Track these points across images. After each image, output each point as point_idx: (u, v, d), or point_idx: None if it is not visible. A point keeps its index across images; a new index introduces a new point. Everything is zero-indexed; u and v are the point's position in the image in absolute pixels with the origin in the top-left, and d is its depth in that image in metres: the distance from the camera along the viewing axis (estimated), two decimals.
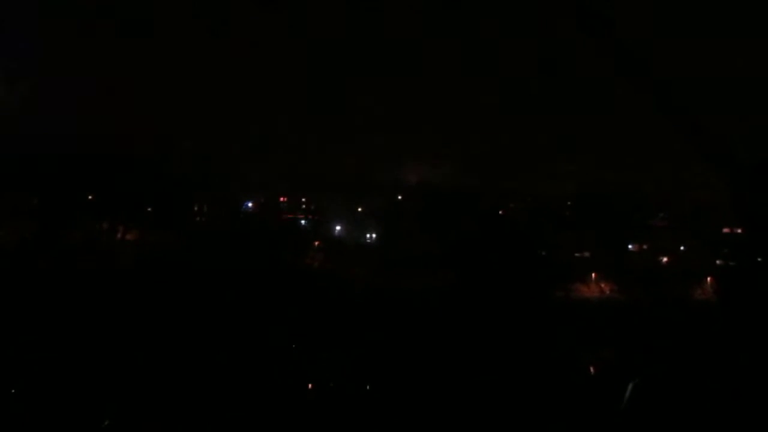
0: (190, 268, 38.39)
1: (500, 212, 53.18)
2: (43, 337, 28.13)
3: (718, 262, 45.80)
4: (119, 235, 43.96)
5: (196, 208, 49.91)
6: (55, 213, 41.12)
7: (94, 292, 33.17)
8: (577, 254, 47.81)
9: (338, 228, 51.36)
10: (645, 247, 49.08)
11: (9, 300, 30.24)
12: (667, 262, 47.80)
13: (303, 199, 54.49)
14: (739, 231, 45.25)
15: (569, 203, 53.13)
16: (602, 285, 44.98)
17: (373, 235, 50.59)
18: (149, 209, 46.68)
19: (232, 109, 57.93)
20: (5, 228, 39.28)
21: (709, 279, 44.08)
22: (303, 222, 53.42)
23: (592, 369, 30.06)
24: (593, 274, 45.43)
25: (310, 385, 28.74)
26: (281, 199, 54.33)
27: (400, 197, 55.66)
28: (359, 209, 53.01)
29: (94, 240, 42.25)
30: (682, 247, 48.31)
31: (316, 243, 48.39)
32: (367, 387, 28.12)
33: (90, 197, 44.97)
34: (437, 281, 40.08)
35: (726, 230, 46.41)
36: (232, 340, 31.06)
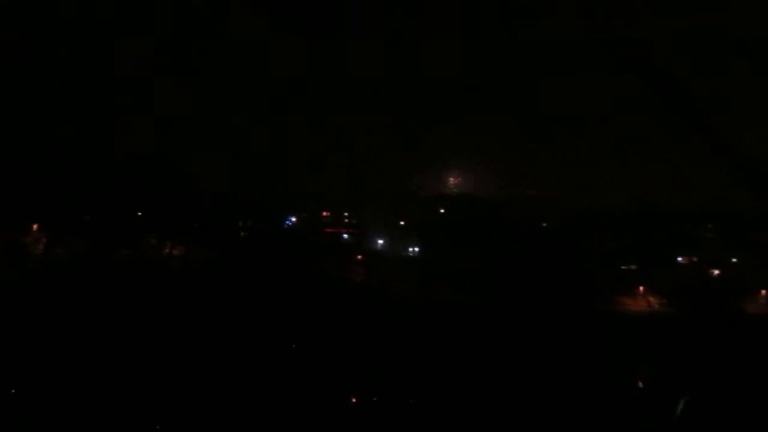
0: (235, 281, 39.05)
1: (543, 224, 52.53)
2: (99, 346, 29.03)
3: None
4: (167, 251, 44.96)
5: (240, 224, 50.78)
6: (106, 229, 42.36)
7: (144, 304, 34.07)
8: (623, 267, 46.83)
9: (380, 241, 51.45)
10: (694, 259, 47.74)
11: (65, 313, 31.35)
12: (718, 274, 46.39)
13: (345, 213, 54.79)
14: None
15: (615, 214, 52.14)
16: (650, 298, 43.88)
17: (416, 249, 50.50)
18: (195, 225, 47.67)
19: (275, 125, 58.93)
20: (60, 245, 40.61)
21: (763, 292, 42.67)
22: (345, 236, 53.64)
23: (640, 384, 29.40)
24: (640, 288, 44.36)
25: (353, 399, 28.82)
26: (323, 213, 54.76)
27: (442, 210, 55.51)
28: (401, 222, 53.02)
29: (143, 255, 43.34)
30: (734, 259, 46.83)
31: (358, 257, 48.56)
32: (411, 401, 28.05)
33: (139, 213, 46.17)
34: (481, 295, 39.78)
35: None
36: (274, 351, 31.46)
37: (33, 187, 40.25)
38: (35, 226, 41.24)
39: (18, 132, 41.98)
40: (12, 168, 39.67)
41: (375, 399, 28.83)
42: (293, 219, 53.64)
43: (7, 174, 39.10)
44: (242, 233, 50.78)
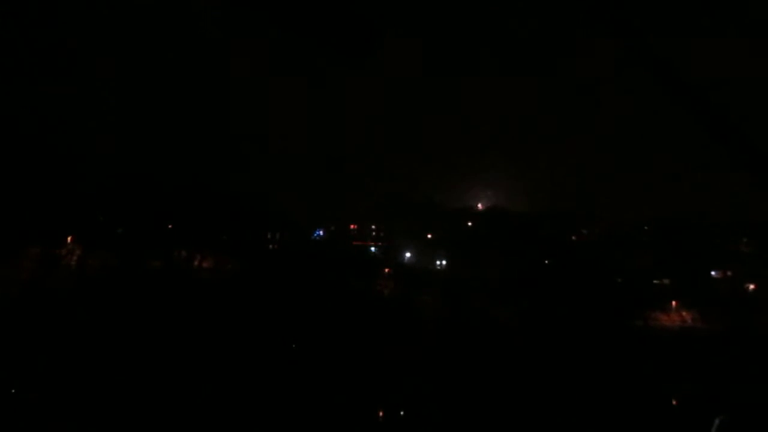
0: (263, 293, 39.36)
1: (573, 237, 52.00)
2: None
3: None
4: (196, 263, 45.42)
5: (269, 236, 51.13)
6: (137, 242, 43.06)
7: (173, 314, 34.56)
8: (655, 281, 46.04)
9: (408, 254, 51.38)
10: (729, 273, 46.73)
11: (97, 322, 31.96)
12: (753, 289, 45.33)
13: (373, 226, 54.91)
14: None
15: (646, 228, 51.41)
16: (683, 313, 43.03)
17: (443, 262, 50.31)
18: (224, 237, 48.13)
19: (303, 139, 59.60)
20: (93, 256, 41.37)
21: None
22: (373, 249, 53.70)
23: (674, 402, 28.84)
24: (673, 302, 43.54)
25: (380, 413, 28.75)
26: (351, 226, 54.96)
27: (469, 223, 55.29)
28: (429, 236, 52.92)
29: (173, 267, 43.89)
30: None
31: (386, 270, 48.48)
32: (441, 414, 27.87)
33: (170, 226, 46.80)
34: (510, 310, 39.45)
35: None
36: (304, 364, 31.59)
37: (68, 201, 41.18)
38: (70, 239, 42.10)
39: (53, 148, 43.04)
40: (48, 182, 40.65)
41: (402, 412, 28.75)
42: (321, 232, 53.97)
43: (43, 188, 40.09)
44: (271, 246, 51.12)
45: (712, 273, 47.06)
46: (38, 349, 28.83)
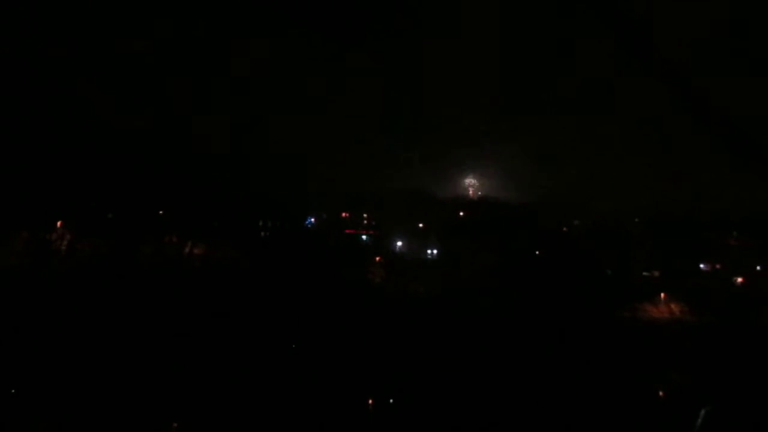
0: (254, 281, 39.32)
1: (564, 229, 52.12)
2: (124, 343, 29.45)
3: None
4: (187, 250, 45.25)
5: (260, 224, 51.01)
6: (128, 227, 42.84)
7: (163, 302, 34.46)
8: (645, 273, 46.33)
9: (399, 243, 51.38)
10: (718, 266, 47.08)
11: (87, 309, 31.85)
12: (742, 282, 45.70)
13: (365, 215, 54.79)
14: None
15: (636, 220, 51.59)
16: (672, 306, 43.33)
17: (434, 251, 50.35)
18: (216, 224, 47.97)
19: (295, 126, 59.27)
20: (84, 242, 41.14)
21: None
22: (364, 237, 53.62)
23: (661, 394, 29.06)
24: (662, 295, 43.84)
25: (370, 401, 28.82)
26: (343, 214, 54.83)
27: (461, 213, 55.32)
28: (420, 225, 52.89)
29: (164, 253, 43.70)
30: (758, 267, 46.15)
31: (377, 258, 48.52)
32: (433, 405, 27.97)
33: (160, 212, 46.61)
34: (500, 300, 39.57)
35: None
36: (289, 351, 31.63)
37: (58, 186, 40.88)
38: (60, 223, 41.82)
39: (44, 132, 42.68)
40: (38, 166, 40.35)
41: (392, 401, 28.83)
42: (313, 220, 53.85)
43: (33, 172, 39.78)
44: (262, 233, 51.03)
45: (701, 266, 47.39)
46: (28, 337, 28.68)
